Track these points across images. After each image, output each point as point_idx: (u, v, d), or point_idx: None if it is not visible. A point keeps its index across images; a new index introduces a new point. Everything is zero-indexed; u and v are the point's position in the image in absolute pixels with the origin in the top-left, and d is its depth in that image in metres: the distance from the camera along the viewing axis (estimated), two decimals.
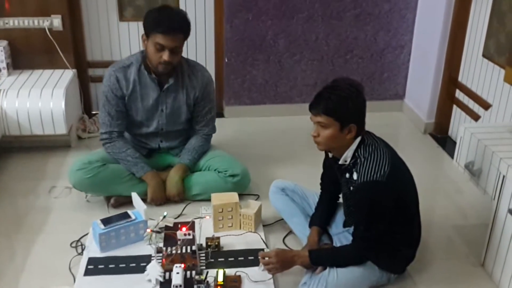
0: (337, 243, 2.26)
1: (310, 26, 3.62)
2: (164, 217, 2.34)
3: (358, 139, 2.02)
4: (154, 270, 2.10)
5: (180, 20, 2.50)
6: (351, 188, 2.05)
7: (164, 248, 2.26)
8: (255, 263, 2.20)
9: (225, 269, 2.12)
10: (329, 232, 2.34)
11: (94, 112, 3.67)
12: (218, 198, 2.44)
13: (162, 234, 2.35)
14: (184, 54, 2.62)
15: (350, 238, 2.13)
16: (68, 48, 3.40)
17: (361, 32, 3.68)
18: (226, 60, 3.66)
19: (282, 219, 2.51)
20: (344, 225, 2.30)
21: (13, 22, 3.30)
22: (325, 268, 2.07)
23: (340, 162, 2.07)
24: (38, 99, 3.06)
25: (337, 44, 3.69)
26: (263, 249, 2.30)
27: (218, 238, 2.32)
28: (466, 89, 3.28)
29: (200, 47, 3.67)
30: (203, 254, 2.25)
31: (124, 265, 2.22)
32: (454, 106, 3.45)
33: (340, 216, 2.35)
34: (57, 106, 3.06)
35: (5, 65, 3.27)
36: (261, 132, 3.62)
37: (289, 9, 3.55)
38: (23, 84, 3.18)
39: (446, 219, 2.65)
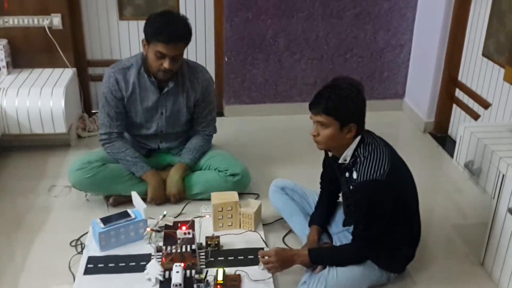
0: (336, 242, 2.26)
1: (310, 25, 3.61)
2: (164, 216, 2.34)
3: (358, 138, 2.02)
4: (154, 269, 2.10)
5: (182, 28, 2.45)
6: (351, 187, 2.05)
7: (164, 247, 2.27)
8: (255, 262, 2.20)
9: (225, 268, 2.12)
10: (328, 231, 2.34)
11: (94, 111, 3.67)
12: (217, 197, 2.44)
13: (162, 233, 2.35)
14: (184, 54, 2.59)
15: (350, 237, 2.13)
16: (68, 47, 3.40)
17: (361, 31, 3.68)
18: (226, 59, 3.66)
19: (282, 218, 2.51)
20: (344, 224, 2.30)
21: (12, 21, 3.30)
22: (324, 267, 2.07)
23: (339, 161, 2.07)
24: (38, 98, 3.06)
25: (337, 43, 3.69)
26: (262, 248, 2.29)
27: (218, 237, 2.32)
28: (466, 88, 3.28)
29: (200, 46, 3.67)
30: (203, 253, 2.25)
31: (123, 264, 2.22)
32: (454, 105, 3.45)
33: (339, 215, 2.35)
34: (57, 105, 3.06)
35: (5, 64, 3.27)
36: (261, 131, 3.62)
37: (289, 8, 3.55)
38: (22, 83, 3.18)
39: (446, 218, 2.66)
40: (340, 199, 2.33)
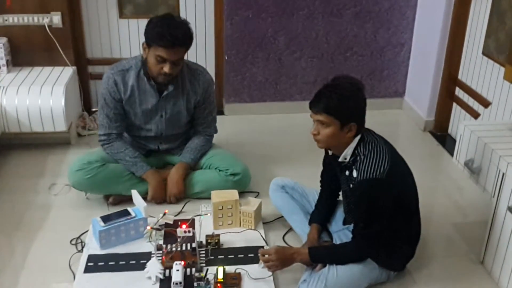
0: (337, 240, 2.26)
1: (310, 23, 3.61)
2: (164, 214, 2.34)
3: (358, 137, 2.02)
4: (154, 267, 2.10)
5: (183, 33, 2.42)
6: (351, 185, 2.05)
7: (164, 246, 2.27)
8: (255, 260, 2.19)
9: (225, 267, 2.13)
10: (329, 230, 2.34)
11: (93, 110, 3.67)
12: (218, 196, 2.44)
13: (162, 232, 2.35)
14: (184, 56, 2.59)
15: (350, 235, 2.13)
16: (68, 45, 3.40)
17: (361, 29, 3.67)
18: (226, 58, 3.66)
19: (282, 216, 2.51)
20: (344, 223, 2.30)
21: (12, 19, 3.30)
22: (324, 266, 2.08)
23: (340, 160, 2.07)
24: (38, 96, 3.06)
25: (337, 42, 3.69)
26: (263, 247, 2.30)
27: (218, 235, 2.32)
28: (466, 87, 3.28)
29: (200, 45, 3.66)
30: (203, 252, 2.25)
31: (124, 262, 2.22)
32: (454, 104, 3.45)
33: (340, 214, 2.35)
34: (57, 103, 3.06)
35: (5, 62, 3.27)
36: (261, 129, 3.62)
37: (289, 6, 3.55)
38: (22, 81, 3.18)
39: (446, 216, 2.66)
40: (340, 197, 2.34)
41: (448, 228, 2.57)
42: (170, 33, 2.38)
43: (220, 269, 2.10)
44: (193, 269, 2.14)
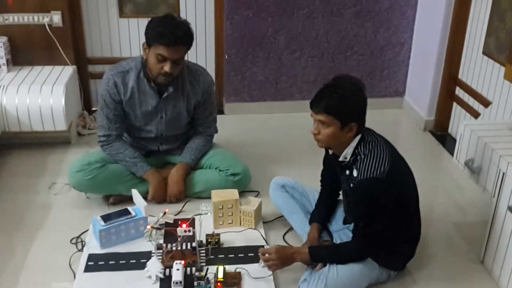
0: (337, 240, 2.26)
1: (311, 23, 3.61)
2: (164, 213, 2.34)
3: (359, 136, 2.02)
4: (154, 266, 2.10)
5: (184, 32, 2.43)
6: (351, 185, 2.05)
7: (164, 245, 2.27)
8: (255, 259, 2.20)
9: (225, 266, 2.13)
10: (329, 229, 2.34)
11: (94, 109, 3.66)
12: (218, 195, 2.44)
13: (162, 231, 2.36)
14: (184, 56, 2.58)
15: (350, 235, 2.13)
16: (68, 44, 3.39)
17: (361, 29, 3.67)
18: (226, 57, 3.66)
19: (282, 216, 2.51)
20: (344, 222, 2.30)
21: (12, 18, 3.30)
22: (325, 265, 2.07)
23: (340, 159, 2.07)
24: (38, 96, 3.06)
25: (337, 41, 3.69)
26: (263, 246, 2.30)
27: (218, 234, 2.32)
28: (466, 86, 3.28)
29: (200, 44, 3.66)
30: (203, 251, 2.25)
31: (124, 262, 2.22)
32: (454, 104, 3.45)
33: (340, 213, 2.35)
34: (57, 103, 3.06)
35: (5, 61, 3.27)
36: (261, 129, 3.62)
37: (289, 5, 3.55)
38: (23, 80, 3.18)
39: (446, 216, 2.66)
40: (341, 197, 2.34)
41: (448, 227, 2.57)
42: (171, 31, 2.39)
43: (220, 268, 2.10)
44: (193, 269, 2.14)
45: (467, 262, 2.33)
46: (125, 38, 3.63)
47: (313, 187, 2.48)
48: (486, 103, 3.04)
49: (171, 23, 2.43)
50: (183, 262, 2.10)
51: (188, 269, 2.14)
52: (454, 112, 3.47)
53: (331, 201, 2.37)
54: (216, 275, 2.08)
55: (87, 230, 2.43)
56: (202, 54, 3.68)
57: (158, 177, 2.66)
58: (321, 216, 2.33)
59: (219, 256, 2.25)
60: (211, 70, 3.60)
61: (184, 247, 2.25)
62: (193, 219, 2.43)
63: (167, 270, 2.12)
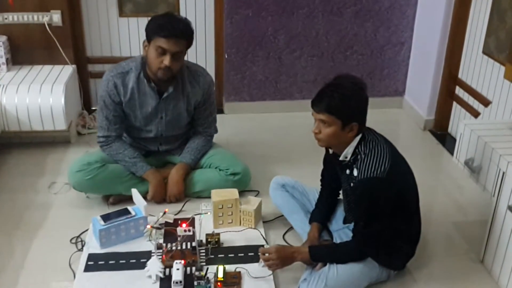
0: (337, 239, 2.26)
1: (310, 22, 3.61)
2: (164, 213, 2.34)
3: (359, 136, 2.02)
4: (154, 266, 2.10)
5: (184, 26, 2.45)
6: (352, 184, 2.05)
7: (164, 244, 2.27)
8: (255, 259, 2.20)
9: (225, 265, 2.12)
10: (329, 229, 2.34)
11: (93, 108, 3.66)
12: (218, 195, 2.44)
13: (162, 230, 2.36)
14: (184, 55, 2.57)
15: (350, 234, 2.13)
16: (68, 43, 3.39)
17: (361, 28, 3.67)
18: (226, 56, 3.65)
19: (282, 215, 2.51)
20: (344, 222, 2.30)
21: (12, 17, 3.29)
22: (325, 265, 2.07)
23: (340, 159, 2.07)
24: (38, 95, 3.05)
25: (337, 40, 3.69)
26: (263, 246, 2.30)
27: (218, 234, 2.32)
28: (466, 86, 3.28)
29: (200, 43, 3.66)
30: (203, 250, 2.25)
31: (124, 261, 2.22)
32: (454, 103, 3.45)
33: (340, 213, 2.35)
34: (57, 102, 3.06)
35: (5, 61, 3.26)
36: (261, 128, 3.61)
37: (289, 5, 3.55)
38: (22, 80, 3.17)
39: (446, 215, 2.66)
40: (341, 196, 2.34)
41: (448, 227, 2.57)
42: (171, 24, 2.42)
43: (220, 268, 2.10)
44: (193, 268, 2.13)
45: (467, 261, 2.33)
46: (125, 37, 3.63)
47: (313, 186, 2.48)
48: (486, 102, 3.04)
49: (171, 17, 2.48)
50: (183, 261, 2.10)
51: (188, 268, 2.14)
52: (454, 112, 3.47)
53: (331, 201, 2.37)
54: (216, 274, 2.08)
55: (87, 230, 2.42)
56: (202, 53, 3.68)
57: (158, 176, 2.66)
58: (321, 215, 2.33)
59: (219, 255, 2.25)
60: (211, 70, 3.60)
61: (184, 247, 2.25)
62: (193, 219, 2.43)
63: (167, 270, 2.12)
